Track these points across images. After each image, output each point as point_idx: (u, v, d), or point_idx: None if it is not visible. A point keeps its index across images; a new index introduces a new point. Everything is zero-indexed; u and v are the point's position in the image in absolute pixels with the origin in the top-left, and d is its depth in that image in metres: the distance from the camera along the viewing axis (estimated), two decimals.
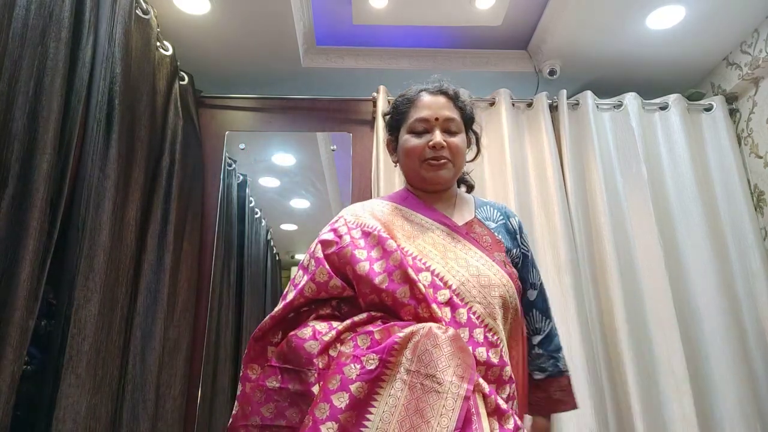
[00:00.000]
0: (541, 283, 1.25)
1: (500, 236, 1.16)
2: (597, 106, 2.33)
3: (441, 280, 1.01)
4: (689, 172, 2.23)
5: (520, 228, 1.24)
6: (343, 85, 2.56)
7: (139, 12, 1.76)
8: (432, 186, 1.18)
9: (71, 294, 1.35)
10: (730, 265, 2.13)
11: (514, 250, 1.17)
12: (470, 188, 1.32)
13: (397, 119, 1.22)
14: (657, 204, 2.17)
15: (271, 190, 2.60)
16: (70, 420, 1.29)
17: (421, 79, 1.24)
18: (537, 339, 1.22)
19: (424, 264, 1.03)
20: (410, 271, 0.98)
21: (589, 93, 2.34)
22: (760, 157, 2.23)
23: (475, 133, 1.26)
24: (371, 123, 2.39)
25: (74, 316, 1.34)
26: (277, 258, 2.81)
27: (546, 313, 1.24)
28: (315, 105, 2.42)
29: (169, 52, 2.02)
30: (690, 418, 1.85)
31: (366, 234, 1.08)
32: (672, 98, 2.36)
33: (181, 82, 2.12)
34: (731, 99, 2.40)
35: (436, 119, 1.14)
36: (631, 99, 2.34)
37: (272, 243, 2.73)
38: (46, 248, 1.24)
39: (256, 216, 2.61)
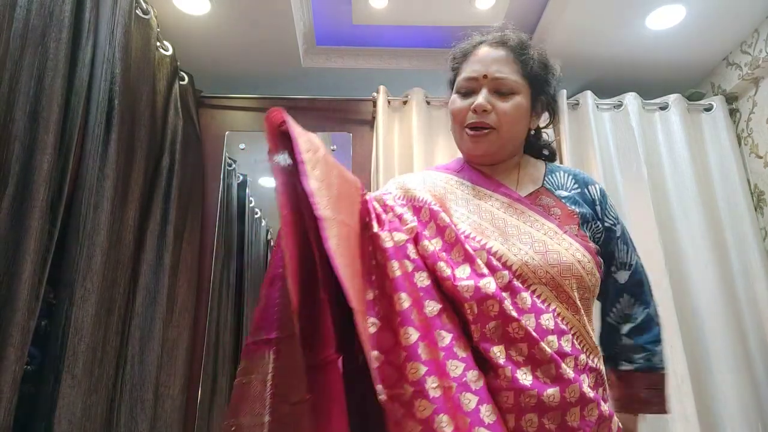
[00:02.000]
0: (637, 263, 1.05)
1: (574, 206, 0.98)
2: (597, 106, 2.33)
3: (499, 260, 0.88)
4: (689, 172, 2.22)
5: (603, 197, 1.04)
6: (343, 85, 2.56)
7: (139, 12, 1.76)
8: (472, 159, 1.04)
9: (68, 294, 1.35)
10: (730, 265, 2.13)
11: (593, 223, 0.99)
12: (550, 157, 1.13)
13: (453, 75, 1.08)
14: (657, 204, 2.17)
15: (271, 190, 2.60)
16: (66, 420, 1.29)
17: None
18: (626, 328, 1.02)
19: (479, 242, 0.90)
20: (469, 248, 0.88)
21: (589, 93, 2.34)
22: (760, 157, 2.23)
23: (546, 94, 1.05)
24: (371, 123, 2.39)
25: (71, 316, 1.34)
26: None
27: (640, 298, 1.04)
28: (315, 105, 2.42)
29: (169, 52, 2.02)
30: (691, 418, 1.84)
31: (417, 210, 0.96)
32: (672, 98, 2.36)
33: (181, 82, 2.12)
34: (731, 99, 2.40)
35: (484, 77, 0.98)
36: (631, 99, 2.34)
37: (272, 243, 2.73)
38: (47, 248, 1.24)
39: (256, 216, 2.61)
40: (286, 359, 0.77)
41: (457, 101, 1.02)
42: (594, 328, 0.95)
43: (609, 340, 1.04)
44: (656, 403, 1.00)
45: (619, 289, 1.03)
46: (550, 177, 1.04)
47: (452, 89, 1.08)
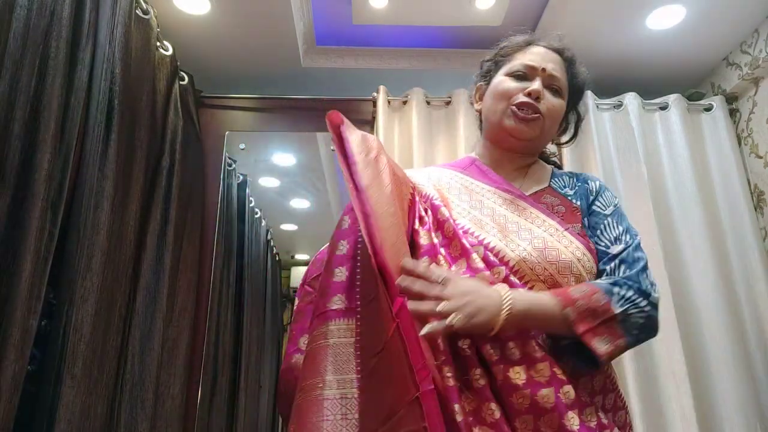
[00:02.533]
0: (635, 243, 0.95)
1: (578, 202, 0.99)
2: (597, 106, 2.33)
3: (496, 255, 0.87)
4: (689, 172, 2.22)
5: (600, 188, 1.04)
6: (343, 85, 2.56)
7: (139, 12, 1.76)
8: (511, 138, 1.01)
9: (69, 294, 1.35)
10: (730, 265, 2.13)
11: (588, 214, 0.99)
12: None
13: (497, 62, 1.09)
14: (657, 204, 2.17)
15: (271, 190, 2.60)
16: (65, 420, 1.29)
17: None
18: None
19: (477, 237, 0.90)
20: (465, 242, 0.89)
21: (589, 93, 2.34)
22: (760, 157, 2.23)
23: (578, 113, 1.10)
24: (371, 123, 2.39)
25: (71, 316, 1.34)
26: (277, 258, 2.81)
27: (632, 265, 0.90)
28: (315, 105, 2.42)
29: (169, 52, 2.02)
30: (690, 418, 1.84)
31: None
32: (672, 98, 2.36)
33: (181, 82, 2.12)
34: (731, 99, 2.40)
35: (543, 70, 1.01)
36: (631, 99, 2.34)
37: (272, 243, 2.73)
38: (47, 248, 1.24)
39: (256, 216, 2.62)
40: (367, 322, 0.84)
41: (508, 81, 1.02)
42: None
43: None
44: (585, 315, 0.80)
45: (611, 257, 0.92)
46: (556, 179, 1.06)
47: (490, 75, 1.09)
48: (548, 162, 1.14)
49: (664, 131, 2.32)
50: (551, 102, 1.00)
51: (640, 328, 0.85)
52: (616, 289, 0.84)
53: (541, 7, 2.26)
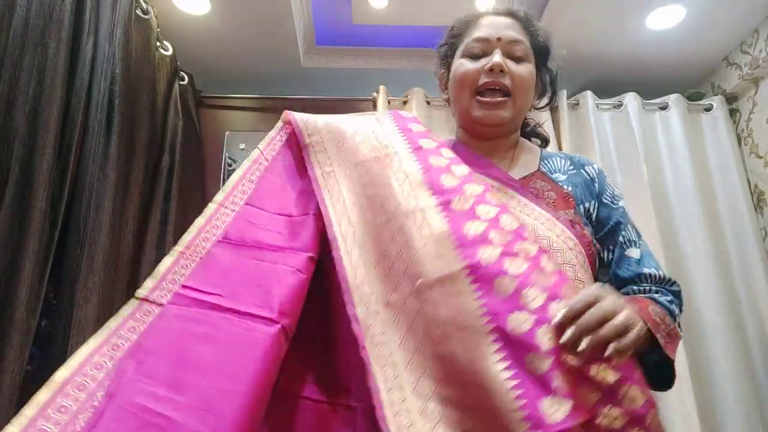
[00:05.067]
0: (642, 244, 0.94)
1: (569, 188, 0.93)
2: (597, 106, 2.33)
3: None
4: (689, 172, 2.23)
5: (600, 174, 0.98)
6: (343, 85, 2.56)
7: (139, 12, 1.76)
8: (484, 127, 0.97)
9: (71, 294, 1.35)
10: (730, 265, 2.13)
11: (590, 203, 0.93)
12: (544, 143, 1.09)
13: (451, 44, 1.02)
14: (657, 204, 2.17)
15: None
16: None
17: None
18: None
19: None
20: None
21: (589, 93, 2.34)
22: (760, 157, 2.23)
23: (550, 71, 1.01)
24: None
25: (74, 316, 1.33)
26: None
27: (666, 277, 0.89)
28: (315, 105, 2.42)
29: (169, 52, 2.02)
30: (691, 417, 1.84)
31: None
32: (672, 98, 2.36)
33: (181, 82, 2.12)
34: (731, 99, 2.40)
35: (498, 39, 0.92)
36: (631, 99, 2.34)
37: None
38: (48, 248, 1.24)
39: None
40: None
41: (466, 64, 0.94)
42: None
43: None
44: (668, 340, 0.76)
45: (637, 261, 0.90)
46: (545, 161, 0.99)
47: (450, 60, 1.02)
48: (533, 133, 1.08)
49: (664, 131, 2.32)
50: (517, 72, 0.92)
51: None
52: (675, 311, 0.83)
53: (541, 8, 2.26)
